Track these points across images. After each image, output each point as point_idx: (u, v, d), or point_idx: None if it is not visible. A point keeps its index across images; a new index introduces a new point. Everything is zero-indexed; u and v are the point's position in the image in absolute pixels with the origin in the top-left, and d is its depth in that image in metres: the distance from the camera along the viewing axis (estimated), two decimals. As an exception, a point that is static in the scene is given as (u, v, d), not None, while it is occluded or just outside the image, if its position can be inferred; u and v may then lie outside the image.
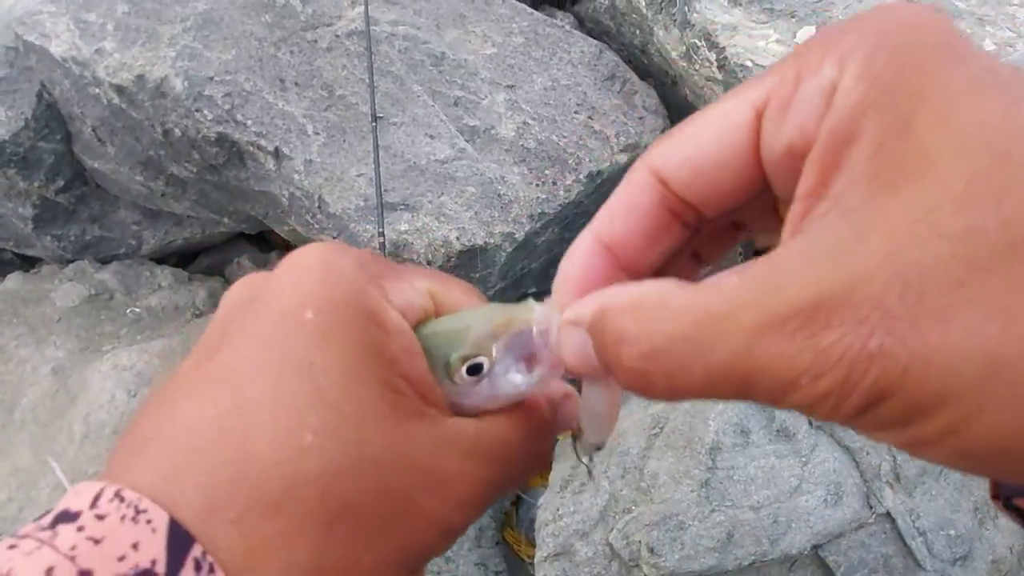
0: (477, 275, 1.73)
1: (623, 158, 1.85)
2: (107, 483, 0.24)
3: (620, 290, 0.25)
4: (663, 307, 0.23)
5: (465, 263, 1.68)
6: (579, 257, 0.29)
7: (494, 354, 0.29)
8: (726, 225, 0.30)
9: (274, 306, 0.27)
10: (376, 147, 1.58)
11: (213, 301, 2.06)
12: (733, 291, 0.21)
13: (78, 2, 1.66)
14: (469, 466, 0.28)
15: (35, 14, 1.66)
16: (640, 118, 1.96)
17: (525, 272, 1.94)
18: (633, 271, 0.28)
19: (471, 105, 1.79)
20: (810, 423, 1.54)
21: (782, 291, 0.20)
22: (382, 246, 1.52)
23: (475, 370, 0.29)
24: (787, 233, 0.23)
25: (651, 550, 1.36)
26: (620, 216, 0.28)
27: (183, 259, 2.34)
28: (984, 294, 0.18)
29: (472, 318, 0.30)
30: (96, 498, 0.23)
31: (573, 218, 1.88)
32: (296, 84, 1.71)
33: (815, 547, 1.44)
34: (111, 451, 0.28)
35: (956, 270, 0.18)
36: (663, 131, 2.02)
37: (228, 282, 2.23)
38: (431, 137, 1.73)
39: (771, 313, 0.20)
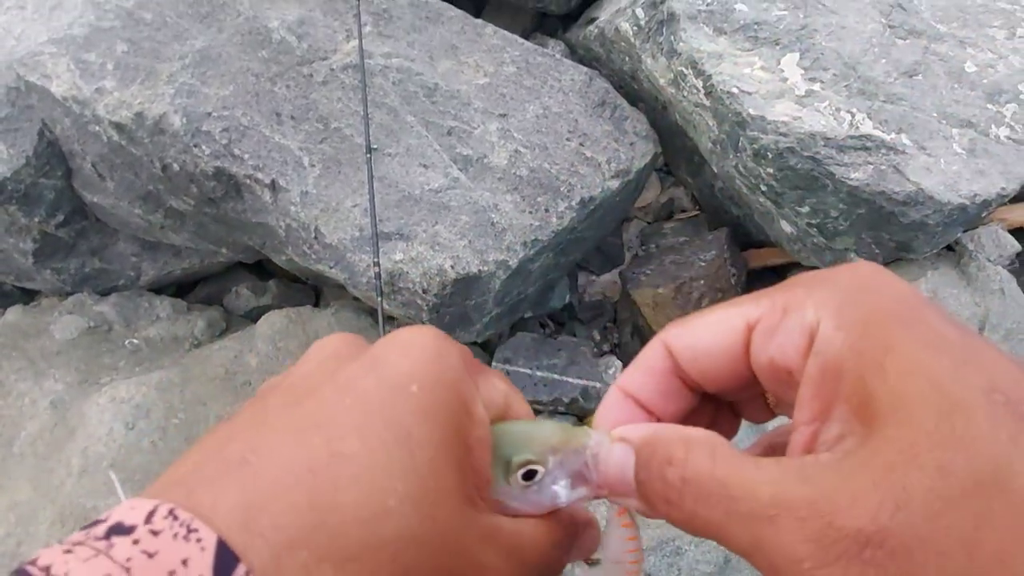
0: (472, 302, 1.75)
1: (615, 184, 1.88)
2: (161, 501, 0.25)
3: (667, 425, 0.32)
4: (710, 452, 0.28)
5: (460, 291, 1.70)
6: (610, 406, 0.34)
7: (549, 465, 0.32)
8: (726, 408, 0.37)
9: (383, 372, 0.30)
10: (371, 178, 1.60)
11: (212, 331, 2.08)
12: (773, 484, 0.26)
13: (78, 42, 1.70)
14: (502, 562, 0.30)
15: (36, 55, 1.70)
16: (631, 144, 1.99)
17: (521, 298, 1.96)
18: (655, 418, 0.35)
19: (464, 135, 1.82)
20: (805, 444, 1.56)
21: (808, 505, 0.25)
22: (377, 275, 1.54)
23: (529, 476, 0.32)
24: (793, 451, 0.29)
25: None
26: (639, 374, 0.34)
27: (181, 289, 2.36)
28: (956, 525, 0.23)
29: (538, 429, 0.34)
30: (151, 514, 0.24)
31: (567, 244, 1.90)
32: (292, 118, 1.74)
33: (813, 569, 1.44)
34: (179, 460, 0.29)
35: (933, 502, 0.23)
36: (654, 156, 2.05)
37: (227, 311, 2.24)
38: (425, 167, 1.76)
39: (793, 511, 0.25)
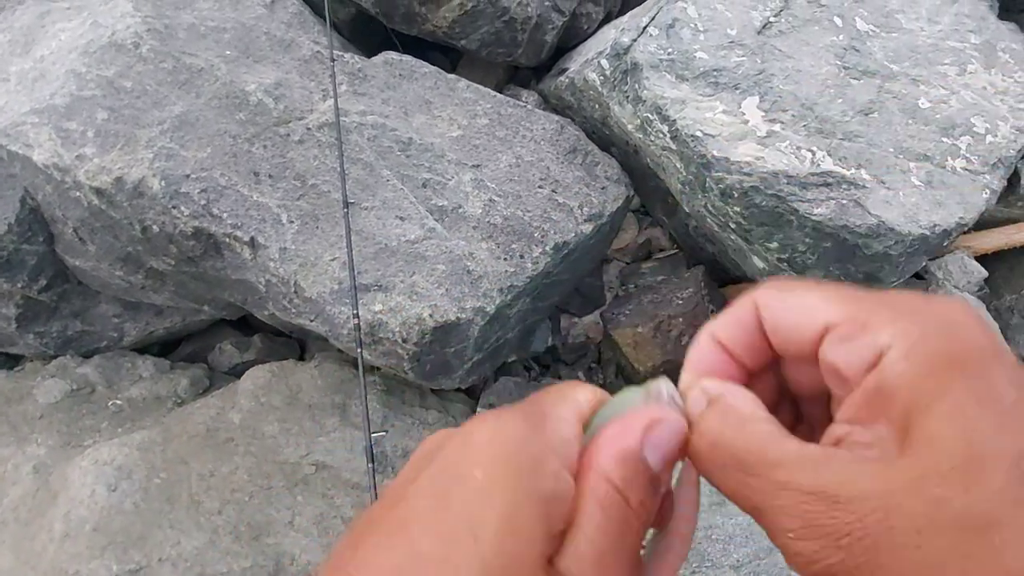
0: (452, 349, 1.78)
1: (588, 228, 1.92)
2: None
3: (722, 391, 0.36)
4: (740, 424, 0.33)
5: (440, 339, 1.72)
6: (700, 349, 0.38)
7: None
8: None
9: (448, 465, 0.33)
10: (348, 232, 1.64)
11: (196, 389, 2.08)
12: (788, 465, 0.31)
13: (60, 112, 1.75)
14: None
15: (19, 125, 1.74)
16: (603, 188, 2.04)
17: (501, 343, 1.98)
18: (739, 365, 0.38)
19: (439, 186, 1.87)
20: (785, 478, 1.56)
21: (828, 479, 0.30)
22: (357, 327, 1.56)
23: None
24: (824, 439, 0.33)
25: (634, 618, 1.35)
26: (729, 324, 0.37)
27: (166, 347, 2.37)
28: (930, 554, 0.26)
29: (616, 402, 0.37)
30: None
31: (544, 289, 1.94)
32: (270, 176, 1.79)
33: (799, 604, 1.43)
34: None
35: (919, 522, 0.26)
36: (626, 199, 2.11)
37: (211, 368, 2.25)
38: (401, 219, 1.80)
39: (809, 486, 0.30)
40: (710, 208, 1.92)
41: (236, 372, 2.20)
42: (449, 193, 1.86)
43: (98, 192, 1.70)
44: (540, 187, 1.93)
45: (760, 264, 1.96)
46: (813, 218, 1.72)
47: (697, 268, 2.34)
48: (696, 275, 2.29)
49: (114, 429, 1.90)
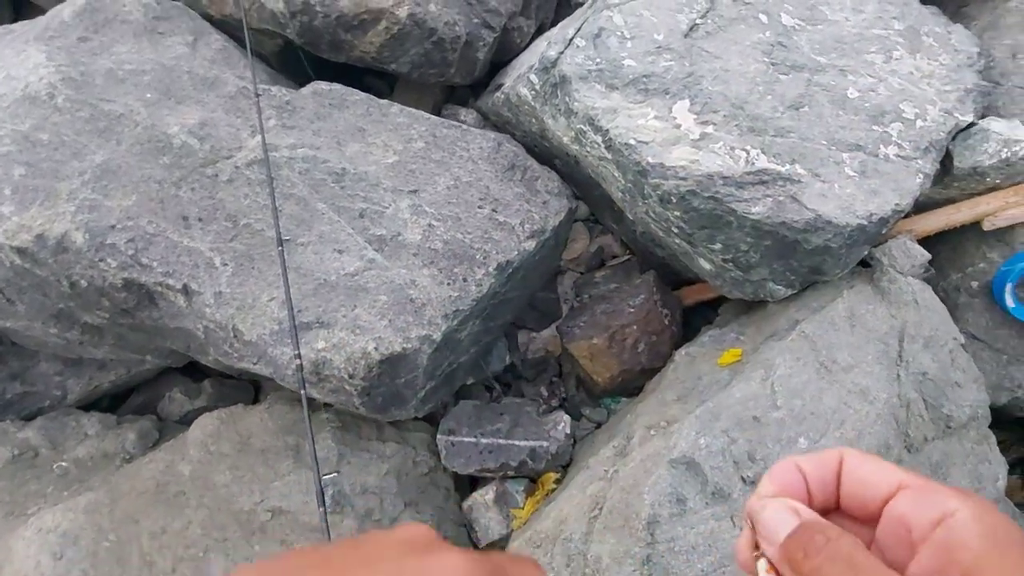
0: (402, 380, 1.74)
1: (530, 244, 1.90)
2: None
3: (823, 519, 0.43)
4: (852, 544, 0.40)
5: (388, 371, 1.69)
6: (784, 470, 0.46)
7: None
8: None
9: None
10: (284, 270, 1.60)
11: (144, 443, 2.02)
12: None
13: (-27, 171, 1.69)
14: None
15: (-70, 188, 1.68)
16: (544, 203, 2.03)
17: (455, 368, 1.95)
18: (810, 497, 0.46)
19: (376, 215, 1.84)
20: (743, 479, 1.55)
21: None
22: (299, 368, 1.52)
23: None
24: None
25: (600, 642, 1.32)
26: (813, 463, 0.46)
27: (116, 400, 2.30)
28: None
29: None
30: None
31: (492, 309, 1.91)
32: (200, 219, 1.74)
33: (767, 609, 1.42)
34: None
35: None
36: (569, 212, 2.09)
37: (160, 419, 2.19)
38: (339, 252, 1.77)
39: None
40: (651, 214, 1.91)
41: (187, 420, 2.14)
42: (387, 222, 1.83)
43: (19, 251, 1.64)
44: (480, 207, 1.91)
45: (707, 266, 1.96)
46: (751, 217, 1.72)
47: (648, 274, 2.33)
48: (647, 280, 2.28)
49: (60, 493, 1.83)
